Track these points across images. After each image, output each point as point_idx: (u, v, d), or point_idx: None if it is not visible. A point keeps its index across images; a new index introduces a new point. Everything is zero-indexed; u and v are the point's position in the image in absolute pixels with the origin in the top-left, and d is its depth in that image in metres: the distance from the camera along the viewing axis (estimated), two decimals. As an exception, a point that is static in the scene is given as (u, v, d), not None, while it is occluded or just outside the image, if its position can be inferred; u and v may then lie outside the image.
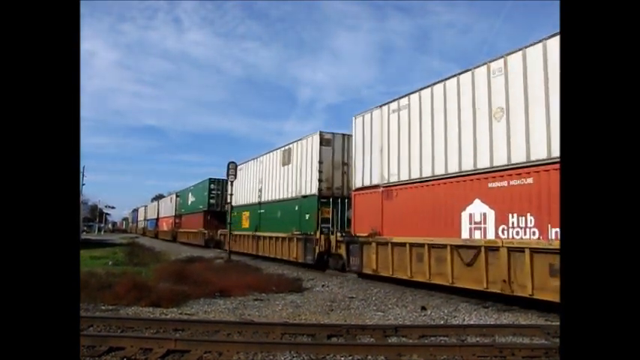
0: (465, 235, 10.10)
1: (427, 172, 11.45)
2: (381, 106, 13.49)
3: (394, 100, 12.94)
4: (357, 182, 14.43)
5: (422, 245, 11.10)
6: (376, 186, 13.37)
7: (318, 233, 16.08)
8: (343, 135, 17.00)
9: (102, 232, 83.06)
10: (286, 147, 19.95)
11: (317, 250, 16.09)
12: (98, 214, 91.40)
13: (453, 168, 10.58)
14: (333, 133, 17.08)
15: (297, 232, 17.50)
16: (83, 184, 46.36)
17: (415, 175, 11.88)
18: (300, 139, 18.60)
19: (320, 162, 16.72)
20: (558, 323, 4.87)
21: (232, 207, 24.22)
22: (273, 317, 8.24)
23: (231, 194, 22.52)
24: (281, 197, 19.85)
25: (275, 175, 20.87)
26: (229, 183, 22.81)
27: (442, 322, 7.88)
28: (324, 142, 16.97)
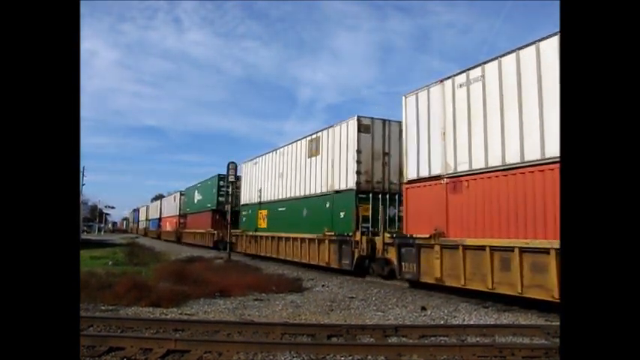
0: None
1: (513, 158, 9.13)
2: (442, 81, 11.19)
3: (461, 72, 10.72)
4: (411, 173, 12.08)
5: (509, 249, 8.86)
6: (437, 177, 11.07)
7: (358, 234, 13.76)
8: (383, 121, 14.82)
9: (102, 233, 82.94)
10: (313, 136, 17.46)
11: (356, 254, 13.76)
12: (98, 214, 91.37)
13: (552, 152, 8.27)
14: (372, 118, 14.73)
15: (330, 233, 15.11)
16: (83, 184, 46.39)
17: (495, 162, 9.55)
18: (331, 126, 16.23)
19: (358, 151, 14.33)
20: (558, 323, 4.87)
21: (240, 205, 23.25)
22: (273, 317, 8.23)
23: (231, 194, 22.66)
24: (307, 193, 17.51)
25: (299, 169, 18.41)
26: (230, 183, 22.79)
27: (442, 322, 7.88)
28: (362, 128, 14.48)
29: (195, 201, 35.73)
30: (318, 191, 16.70)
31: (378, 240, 13.14)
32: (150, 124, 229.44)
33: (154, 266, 16.34)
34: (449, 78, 11.06)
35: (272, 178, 21.20)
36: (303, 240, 17.28)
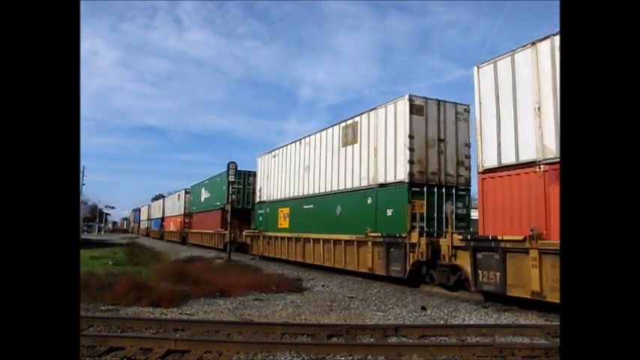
0: None
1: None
2: (534, 43, 9.07)
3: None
4: (489, 160, 9.84)
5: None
6: (530, 163, 8.90)
7: (414, 235, 11.39)
8: (438, 102, 12.80)
9: (102, 232, 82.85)
10: (349, 121, 15.22)
11: (411, 259, 11.49)
12: (98, 214, 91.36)
13: None
14: (425, 98, 12.63)
15: (375, 234, 12.89)
16: (83, 184, 46.40)
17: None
18: (372, 109, 13.92)
19: (410, 137, 12.19)
20: (558, 323, 4.87)
21: (256, 203, 21.40)
22: (273, 317, 8.24)
23: (231, 194, 22.32)
24: (342, 188, 15.21)
25: (330, 160, 16.05)
26: (229, 183, 22.26)
27: (442, 322, 7.88)
28: (414, 109, 12.36)
29: (203, 199, 33.36)
30: (356, 185, 14.43)
31: (443, 242, 10.86)
32: (150, 124, 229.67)
33: (154, 266, 16.34)
34: (545, 39, 8.88)
35: (295, 171, 18.78)
36: (337, 242, 14.91)
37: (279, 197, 20.28)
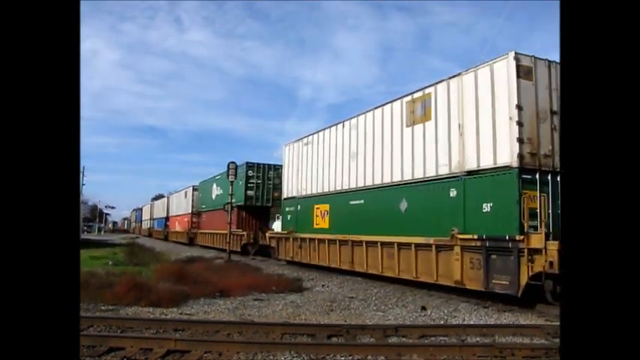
0: None
1: None
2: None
3: None
4: None
5: None
6: None
7: (537, 238, 8.23)
8: (549, 62, 9.63)
9: (102, 232, 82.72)
10: (417, 94, 12.07)
11: (528, 270, 8.40)
12: (98, 214, 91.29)
13: None
14: (533, 57, 9.52)
15: (467, 237, 9.88)
16: (83, 184, 46.37)
17: None
18: (455, 75, 10.89)
19: (519, 107, 9.15)
20: (558, 323, 4.87)
21: (283, 199, 18.94)
22: (273, 317, 8.24)
23: (231, 194, 21.96)
24: (408, 178, 12.02)
25: (389, 144, 12.83)
26: (229, 183, 21.96)
27: (442, 322, 7.88)
28: (522, 72, 9.33)
29: (214, 196, 30.09)
30: (430, 174, 11.31)
31: None
32: (150, 124, 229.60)
33: (154, 266, 16.33)
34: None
35: (338, 160, 15.55)
36: (404, 246, 11.76)
37: (314, 192, 16.96)
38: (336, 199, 15.56)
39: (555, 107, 9.49)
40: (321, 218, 16.46)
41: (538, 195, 8.77)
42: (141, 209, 74.52)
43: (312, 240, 16.63)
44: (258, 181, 24.11)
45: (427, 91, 11.74)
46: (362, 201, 14.12)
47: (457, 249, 10.16)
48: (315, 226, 16.77)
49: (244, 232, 24.09)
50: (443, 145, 11.06)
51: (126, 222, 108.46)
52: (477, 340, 6.25)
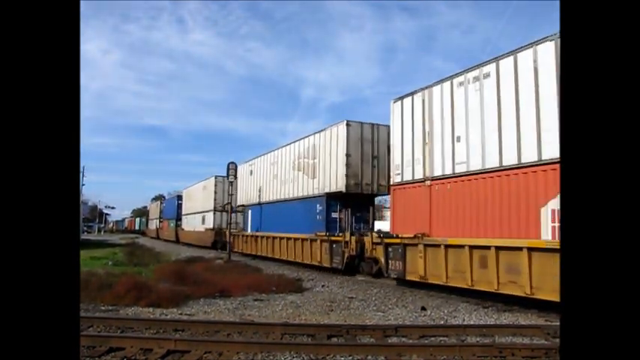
0: None
1: None
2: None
3: None
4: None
5: None
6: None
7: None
8: None
9: (102, 233, 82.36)
10: None
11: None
12: (98, 215, 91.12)
13: None
14: None
15: None
16: (83, 184, 46.33)
17: None
18: None
19: None
20: (558, 323, 4.87)
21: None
22: (273, 317, 8.24)
23: (232, 194, 22.04)
24: None
25: None
26: (229, 184, 22.02)
27: (442, 322, 7.88)
28: None
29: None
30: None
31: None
32: (152, 124, 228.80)
33: (154, 266, 16.34)
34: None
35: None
36: None
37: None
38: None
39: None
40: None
41: None
42: (180, 197, 43.51)
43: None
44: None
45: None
46: None
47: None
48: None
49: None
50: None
51: (136, 221, 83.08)
52: (477, 340, 6.25)
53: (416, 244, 11.12)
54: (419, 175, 11.66)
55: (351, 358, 5.36)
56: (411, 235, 11.26)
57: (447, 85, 11.03)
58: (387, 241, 12.39)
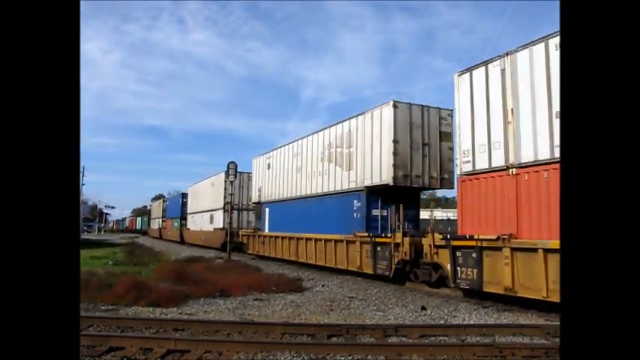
0: None
1: None
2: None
3: None
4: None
5: None
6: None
7: None
8: None
9: (102, 232, 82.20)
10: None
11: None
12: (98, 214, 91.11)
13: None
14: None
15: None
16: (83, 184, 46.33)
17: None
18: None
19: None
20: (558, 323, 4.87)
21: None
22: (273, 317, 8.24)
23: (232, 194, 21.76)
24: None
25: None
26: (229, 184, 21.39)
27: (442, 322, 7.88)
28: None
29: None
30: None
31: None
32: (152, 124, 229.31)
33: (154, 266, 16.34)
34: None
35: None
36: None
37: None
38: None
39: None
40: None
41: None
42: (185, 195, 40.59)
43: None
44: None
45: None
46: None
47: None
48: None
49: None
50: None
51: (138, 220, 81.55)
52: (477, 340, 6.25)
53: (499, 248, 8.88)
54: (499, 162, 9.44)
55: (351, 357, 5.36)
56: (493, 237, 9.01)
57: (539, 48, 8.83)
58: (455, 243, 10.05)
